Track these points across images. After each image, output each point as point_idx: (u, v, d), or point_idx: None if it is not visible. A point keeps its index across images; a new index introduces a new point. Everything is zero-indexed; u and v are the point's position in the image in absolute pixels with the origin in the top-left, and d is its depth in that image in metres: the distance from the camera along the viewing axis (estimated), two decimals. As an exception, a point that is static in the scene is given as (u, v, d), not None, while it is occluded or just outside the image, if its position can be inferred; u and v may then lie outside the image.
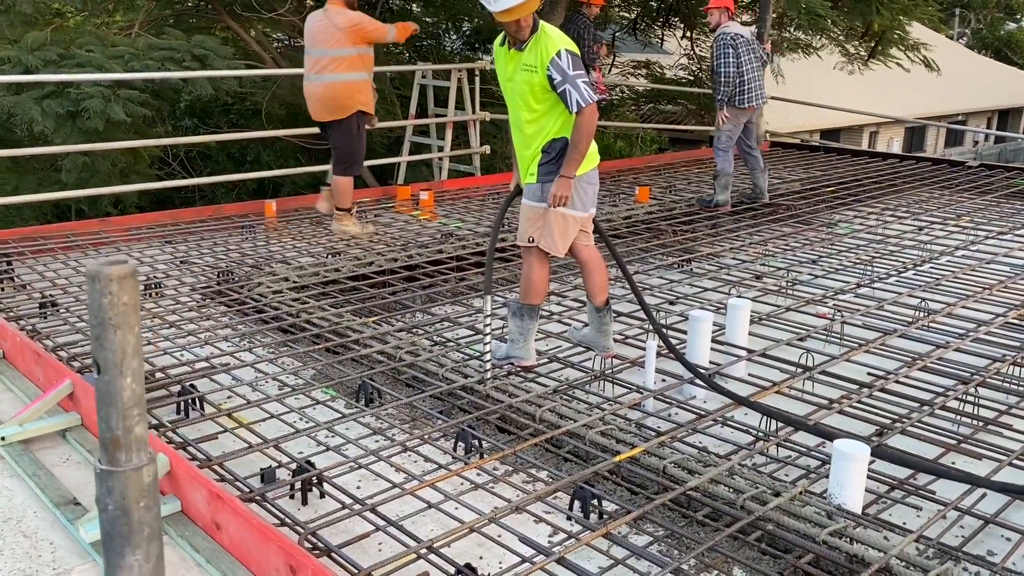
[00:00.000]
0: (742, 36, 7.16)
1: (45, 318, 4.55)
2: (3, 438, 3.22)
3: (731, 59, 7.10)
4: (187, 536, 2.67)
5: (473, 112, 8.91)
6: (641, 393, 3.73)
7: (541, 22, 3.74)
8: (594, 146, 3.89)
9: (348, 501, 2.82)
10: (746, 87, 7.14)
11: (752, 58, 7.15)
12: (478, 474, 3.07)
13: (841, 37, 12.13)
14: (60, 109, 7.96)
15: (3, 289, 5.12)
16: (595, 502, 2.83)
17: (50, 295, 4.84)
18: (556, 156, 3.79)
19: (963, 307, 4.90)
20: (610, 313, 4.11)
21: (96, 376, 1.21)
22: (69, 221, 8.16)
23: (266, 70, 10.79)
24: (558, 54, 3.62)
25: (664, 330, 4.02)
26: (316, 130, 11.53)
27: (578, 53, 3.73)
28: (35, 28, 8.60)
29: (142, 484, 1.26)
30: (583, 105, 3.63)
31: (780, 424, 3.36)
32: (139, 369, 1.23)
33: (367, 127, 6.35)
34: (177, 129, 13.46)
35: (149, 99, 8.78)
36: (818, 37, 11.93)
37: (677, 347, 3.91)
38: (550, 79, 3.64)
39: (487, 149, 9.22)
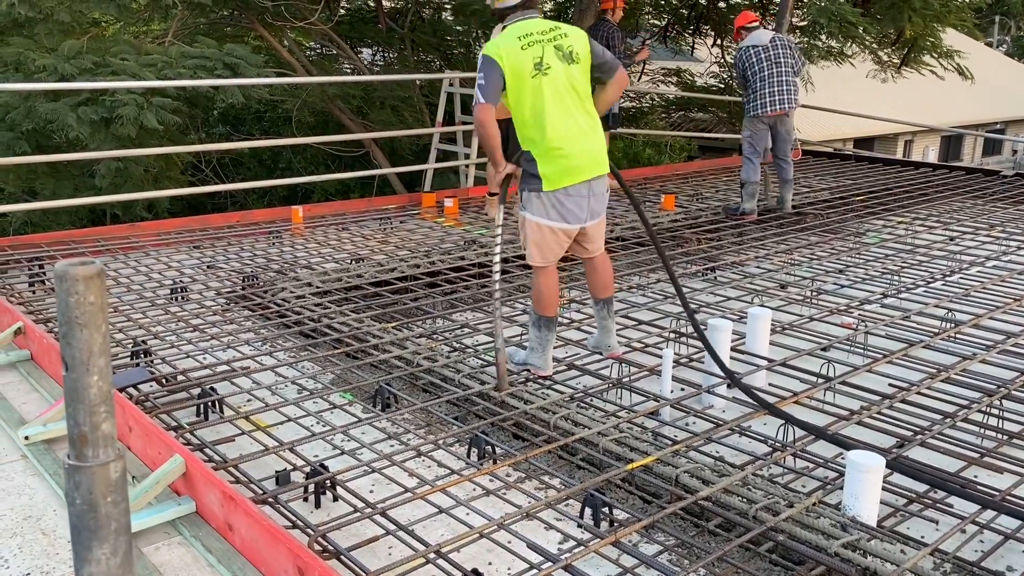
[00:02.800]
0: (753, 46, 7.12)
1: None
2: (27, 437, 3.29)
3: (737, 74, 7.35)
4: (200, 536, 2.70)
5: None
6: (657, 402, 3.71)
7: (496, 29, 3.82)
8: (572, 162, 3.76)
9: (360, 504, 2.84)
10: (756, 94, 7.08)
11: (765, 65, 7.03)
12: (490, 480, 3.07)
13: (873, 45, 11.99)
14: (95, 116, 8.13)
15: (34, 292, 5.23)
16: (606, 510, 2.82)
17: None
18: (524, 166, 3.83)
19: (991, 318, 4.82)
20: (606, 308, 4.09)
21: (64, 373, 1.24)
22: (103, 226, 8.31)
23: (296, 78, 10.93)
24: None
25: (700, 328, 3.94)
26: (344, 137, 11.66)
27: (491, 58, 3.70)
28: (72, 37, 8.78)
29: (109, 479, 1.29)
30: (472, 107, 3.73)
31: (797, 435, 3.32)
32: (106, 367, 1.25)
33: None
34: (210, 136, 13.69)
35: (181, 107, 8.94)
36: (849, 44, 11.80)
37: (697, 355, 3.89)
38: None
39: (513, 157, 9.24)
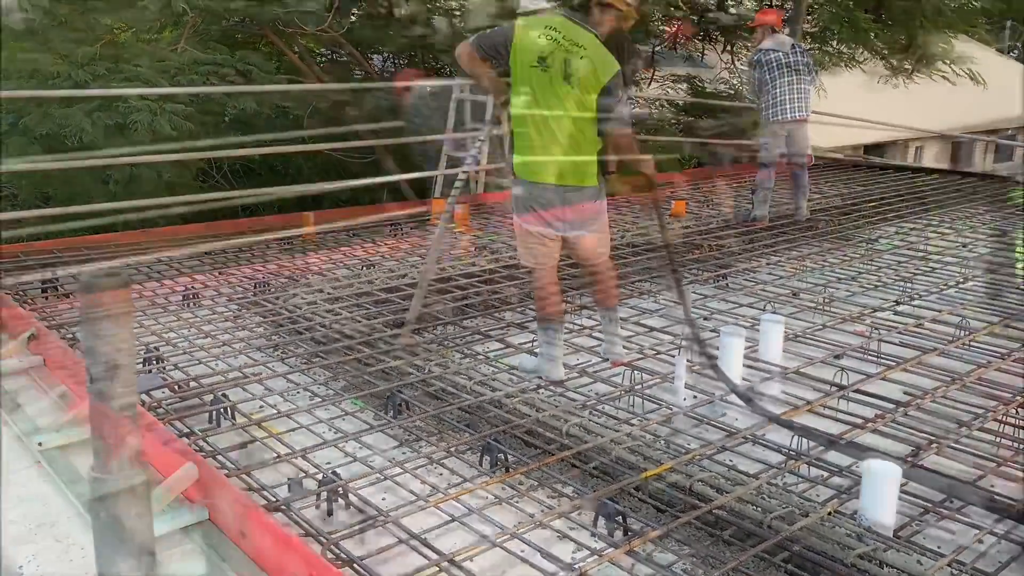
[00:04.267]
0: (774, 51, 7.08)
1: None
2: (40, 443, 3.29)
3: (752, 80, 7.24)
4: (213, 544, 2.70)
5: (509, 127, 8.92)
6: (671, 410, 3.69)
7: None
8: (532, 167, 3.75)
9: (373, 512, 2.83)
10: (771, 100, 7.04)
11: (784, 71, 6.99)
12: (503, 488, 3.06)
13: (884, 51, 11.95)
14: (109, 121, 8.16)
15: (47, 298, 5.25)
16: (620, 519, 2.80)
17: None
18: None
19: (1006, 325, 4.78)
20: (608, 317, 4.09)
21: (88, 385, 1.23)
22: (116, 232, 8.33)
23: (307, 85, 10.94)
24: None
25: (704, 346, 3.95)
26: (356, 144, 11.65)
27: (512, 25, 3.73)
28: (85, 44, 8.82)
29: (134, 492, 1.28)
30: None
31: (812, 443, 3.30)
32: (130, 379, 1.25)
33: None
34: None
35: (194, 113, 8.96)
36: (860, 51, 11.76)
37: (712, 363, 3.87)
38: None
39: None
